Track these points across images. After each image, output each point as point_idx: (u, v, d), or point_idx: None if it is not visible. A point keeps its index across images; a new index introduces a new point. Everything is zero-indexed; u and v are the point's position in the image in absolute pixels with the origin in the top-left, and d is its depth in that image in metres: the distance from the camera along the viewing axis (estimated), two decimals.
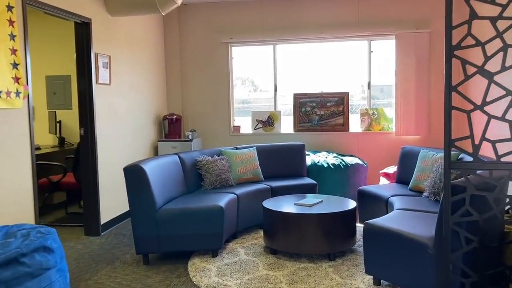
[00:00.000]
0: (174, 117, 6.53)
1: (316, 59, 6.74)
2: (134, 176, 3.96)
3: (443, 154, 4.29)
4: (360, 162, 5.81)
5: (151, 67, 6.37)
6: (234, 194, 4.56)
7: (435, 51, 6.22)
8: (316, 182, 5.15)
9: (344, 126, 6.54)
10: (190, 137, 6.42)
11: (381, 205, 4.36)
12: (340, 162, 5.70)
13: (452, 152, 4.21)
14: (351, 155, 6.17)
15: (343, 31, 6.42)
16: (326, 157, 5.96)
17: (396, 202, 4.03)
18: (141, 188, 3.95)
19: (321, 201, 4.27)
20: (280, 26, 6.56)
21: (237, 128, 6.81)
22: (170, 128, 6.61)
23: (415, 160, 4.74)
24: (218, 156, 5.11)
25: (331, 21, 6.44)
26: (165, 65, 6.86)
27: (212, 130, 6.87)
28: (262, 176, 5.27)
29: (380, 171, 5.73)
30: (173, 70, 6.86)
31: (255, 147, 5.42)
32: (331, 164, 5.66)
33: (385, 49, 6.54)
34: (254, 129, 6.77)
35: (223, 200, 4.22)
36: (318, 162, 5.73)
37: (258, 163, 5.30)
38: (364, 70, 6.58)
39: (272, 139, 6.68)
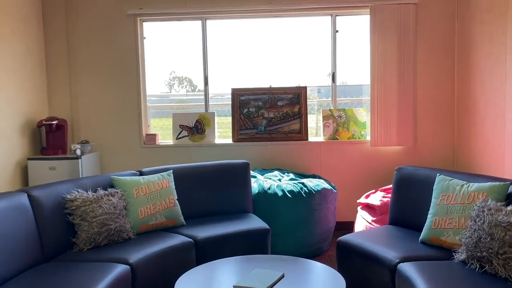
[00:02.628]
0: (54, 122, 4.39)
1: (262, 42, 4.88)
2: None
3: (483, 185, 2.55)
4: (327, 186, 4.01)
5: (18, 50, 4.18)
6: (127, 264, 2.56)
7: (423, 30, 4.56)
8: (267, 227, 3.24)
9: (302, 134, 4.71)
10: (77, 152, 4.31)
11: (383, 274, 2.55)
12: (301, 188, 3.87)
13: (495, 183, 2.48)
14: (314, 176, 4.36)
15: (297, 2, 4.60)
16: (280, 180, 4.10)
17: (417, 277, 2.23)
18: None
19: (282, 276, 2.39)
20: None
21: (152, 137, 4.78)
22: (49, 139, 4.46)
23: (424, 190, 2.99)
24: (107, 189, 3.07)
25: None
26: (44, 48, 4.69)
27: (115, 141, 4.78)
28: (182, 218, 3.30)
29: (358, 201, 3.97)
30: (56, 55, 4.70)
31: (171, 171, 3.43)
32: (288, 191, 3.81)
33: (356, 27, 4.80)
34: (177, 139, 4.78)
35: (101, 283, 2.21)
36: (269, 188, 3.85)
37: (176, 197, 3.32)
38: (327, 56, 4.79)
39: (202, 153, 4.72)
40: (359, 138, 4.74)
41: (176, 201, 3.28)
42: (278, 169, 4.51)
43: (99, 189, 3.04)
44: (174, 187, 3.34)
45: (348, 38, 4.76)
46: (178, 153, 4.72)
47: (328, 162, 4.69)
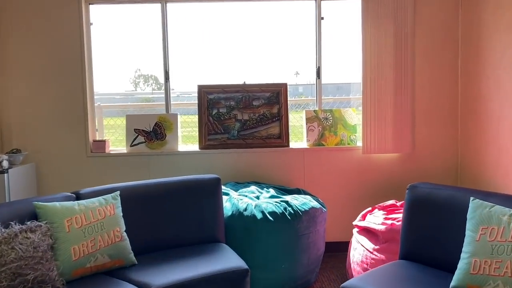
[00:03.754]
0: None
1: (235, 31, 4.12)
2: None
3: None
4: (316, 204, 3.29)
5: None
6: None
7: (422, 18, 3.91)
8: (246, 267, 2.49)
9: (282, 139, 3.98)
10: (4, 164, 3.42)
11: None
12: (285, 208, 3.13)
13: None
14: (298, 190, 3.63)
15: None
16: (258, 197, 3.35)
17: None
18: None
19: None
20: None
21: (101, 144, 3.94)
22: None
23: (449, 217, 2.31)
24: (24, 223, 2.24)
25: None
26: None
27: (55, 149, 3.91)
28: (132, 256, 2.50)
29: (354, 223, 3.26)
30: None
31: (118, 192, 2.62)
32: (269, 212, 3.06)
33: (345, 15, 4.11)
34: (131, 146, 3.96)
35: None
36: (246, 209, 3.09)
37: (124, 229, 2.52)
38: (311, 48, 4.08)
39: (162, 164, 3.91)
40: (348, 144, 4.05)
41: (124, 234, 2.48)
42: (255, 182, 3.76)
43: (13, 223, 2.20)
44: (121, 214, 2.53)
45: (335, 27, 4.07)
46: (132, 163, 3.90)
47: (313, 173, 3.98)
